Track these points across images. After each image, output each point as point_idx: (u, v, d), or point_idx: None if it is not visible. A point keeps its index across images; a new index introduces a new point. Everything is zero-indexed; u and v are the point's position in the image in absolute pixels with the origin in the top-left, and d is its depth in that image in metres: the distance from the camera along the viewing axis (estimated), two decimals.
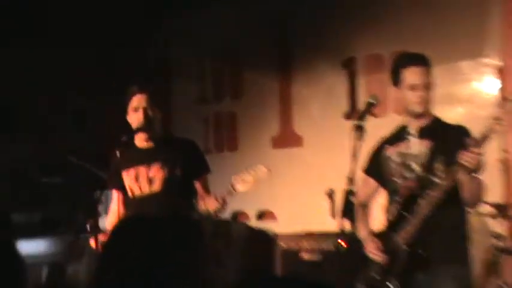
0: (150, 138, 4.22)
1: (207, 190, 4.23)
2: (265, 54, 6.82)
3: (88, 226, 4.04)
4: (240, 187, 4.06)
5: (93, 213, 4.00)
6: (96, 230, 4.06)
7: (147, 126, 4.15)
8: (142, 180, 4.17)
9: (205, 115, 7.13)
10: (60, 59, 6.75)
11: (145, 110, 4.15)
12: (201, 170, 4.26)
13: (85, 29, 6.83)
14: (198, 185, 4.22)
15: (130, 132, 4.18)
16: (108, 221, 4.37)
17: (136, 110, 4.17)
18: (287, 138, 6.66)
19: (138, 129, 4.17)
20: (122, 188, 4.27)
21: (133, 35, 7.09)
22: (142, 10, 6.97)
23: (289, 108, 6.70)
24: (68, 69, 6.77)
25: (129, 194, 4.22)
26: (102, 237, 3.97)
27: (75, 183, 5.92)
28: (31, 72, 6.72)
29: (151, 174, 4.15)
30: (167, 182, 4.14)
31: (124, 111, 4.26)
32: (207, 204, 4.08)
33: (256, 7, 6.79)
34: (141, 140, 4.25)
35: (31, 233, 6.17)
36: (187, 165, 4.18)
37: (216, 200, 4.01)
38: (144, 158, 4.20)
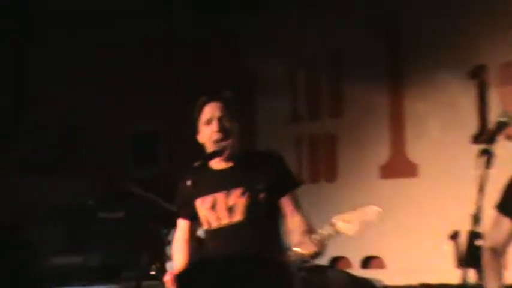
0: (227, 157, 4.14)
1: (296, 208, 4.14)
2: (371, 62, 6.73)
3: (154, 271, 4.01)
4: (342, 230, 3.87)
5: (160, 256, 4.07)
6: (164, 275, 3.95)
7: (223, 141, 4.08)
8: (221, 209, 4.12)
9: (298, 137, 7.07)
10: (116, 73, 7.19)
11: (220, 120, 4.10)
12: (288, 185, 4.18)
13: (146, 31, 7.17)
14: (285, 203, 4.14)
15: (206, 155, 4.10)
16: (173, 254, 4.27)
17: (209, 122, 4.12)
18: (399, 167, 6.56)
19: (214, 146, 4.10)
20: (193, 218, 4.22)
21: (207, 39, 7.22)
22: (216, 9, 7.10)
23: (401, 129, 6.59)
24: (129, 85, 7.13)
25: (205, 225, 4.18)
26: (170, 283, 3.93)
27: (139, 219, 5.98)
28: (84, 91, 7.17)
29: (231, 201, 4.11)
30: (251, 210, 4.08)
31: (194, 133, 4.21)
32: (301, 246, 3.92)
33: (361, 7, 6.76)
34: (216, 160, 4.17)
35: (89, 279, 6.26)
36: (273, 185, 4.12)
37: (312, 242, 3.85)
38: (222, 182, 4.15)
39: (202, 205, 4.17)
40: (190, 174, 4.05)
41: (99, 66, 7.51)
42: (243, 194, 4.10)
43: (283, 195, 4.15)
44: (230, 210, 4.11)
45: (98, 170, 7.15)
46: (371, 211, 3.90)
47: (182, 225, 4.30)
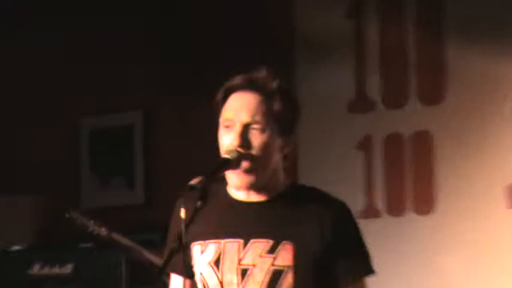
0: (255, 186, 3.97)
1: None
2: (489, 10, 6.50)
3: None
4: None
5: None
6: None
7: (247, 160, 3.93)
8: (229, 268, 3.97)
9: (367, 136, 6.87)
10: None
11: (245, 129, 3.94)
12: (355, 268, 4.03)
13: None
14: None
15: (212, 167, 3.90)
16: None
17: (229, 125, 3.97)
18: None
19: (223, 165, 3.93)
20: (189, 275, 4.12)
21: None
22: None
23: None
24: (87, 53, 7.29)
25: (199, 286, 4.04)
26: None
27: (97, 277, 6.24)
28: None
29: (248, 258, 3.96)
30: (281, 281, 3.92)
31: (211, 131, 4.03)
32: None
33: None
34: (239, 187, 3.99)
35: None
36: (328, 253, 3.95)
37: None
38: (239, 222, 4.02)
39: (200, 255, 4.04)
40: (187, 198, 3.84)
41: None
42: (271, 251, 3.94)
43: (346, 280, 4.04)
44: (244, 273, 3.97)
45: (33, 193, 7.17)
46: None
47: (176, 284, 4.19)
